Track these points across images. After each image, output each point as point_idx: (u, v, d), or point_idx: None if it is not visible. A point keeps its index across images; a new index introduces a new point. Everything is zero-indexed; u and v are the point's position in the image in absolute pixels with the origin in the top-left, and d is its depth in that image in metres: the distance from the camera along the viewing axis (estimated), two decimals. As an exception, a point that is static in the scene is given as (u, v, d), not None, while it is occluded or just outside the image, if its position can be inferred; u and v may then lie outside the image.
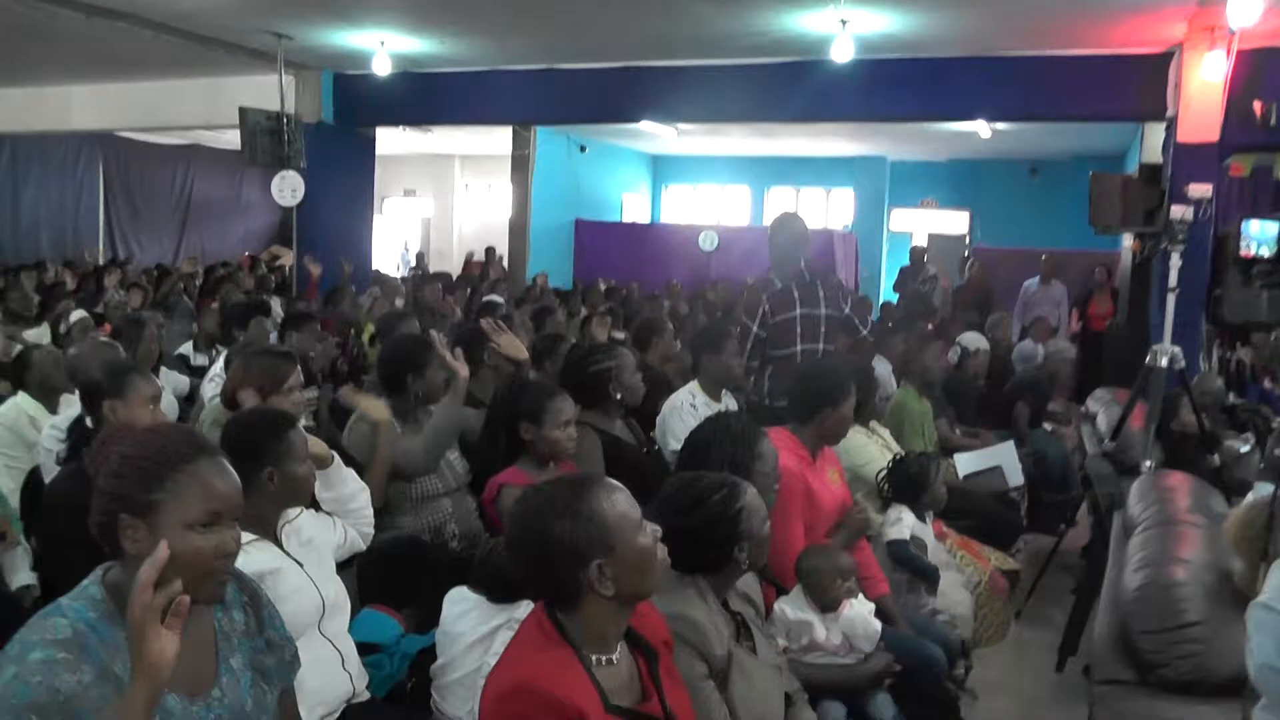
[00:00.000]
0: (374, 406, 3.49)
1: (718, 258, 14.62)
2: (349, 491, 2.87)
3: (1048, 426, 7.07)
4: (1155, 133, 8.98)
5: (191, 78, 11.56)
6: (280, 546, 2.51)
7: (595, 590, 1.84)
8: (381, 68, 9.58)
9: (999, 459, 5.57)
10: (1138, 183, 6.74)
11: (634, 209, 18.75)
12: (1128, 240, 10.05)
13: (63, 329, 6.68)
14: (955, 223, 17.36)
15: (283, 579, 2.40)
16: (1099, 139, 13.34)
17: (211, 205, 19.25)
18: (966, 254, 14.47)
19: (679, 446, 4.49)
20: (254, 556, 2.34)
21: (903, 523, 3.93)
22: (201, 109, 11.98)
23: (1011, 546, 5.38)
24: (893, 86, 8.94)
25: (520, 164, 14.97)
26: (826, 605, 2.96)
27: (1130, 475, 4.46)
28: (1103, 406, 5.50)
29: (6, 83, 13.11)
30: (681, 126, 14.54)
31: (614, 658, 1.92)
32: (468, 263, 14.58)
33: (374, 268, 12.44)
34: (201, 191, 19.18)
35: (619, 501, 1.89)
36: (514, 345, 4.12)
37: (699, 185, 19.45)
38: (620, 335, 7.11)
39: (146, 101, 12.45)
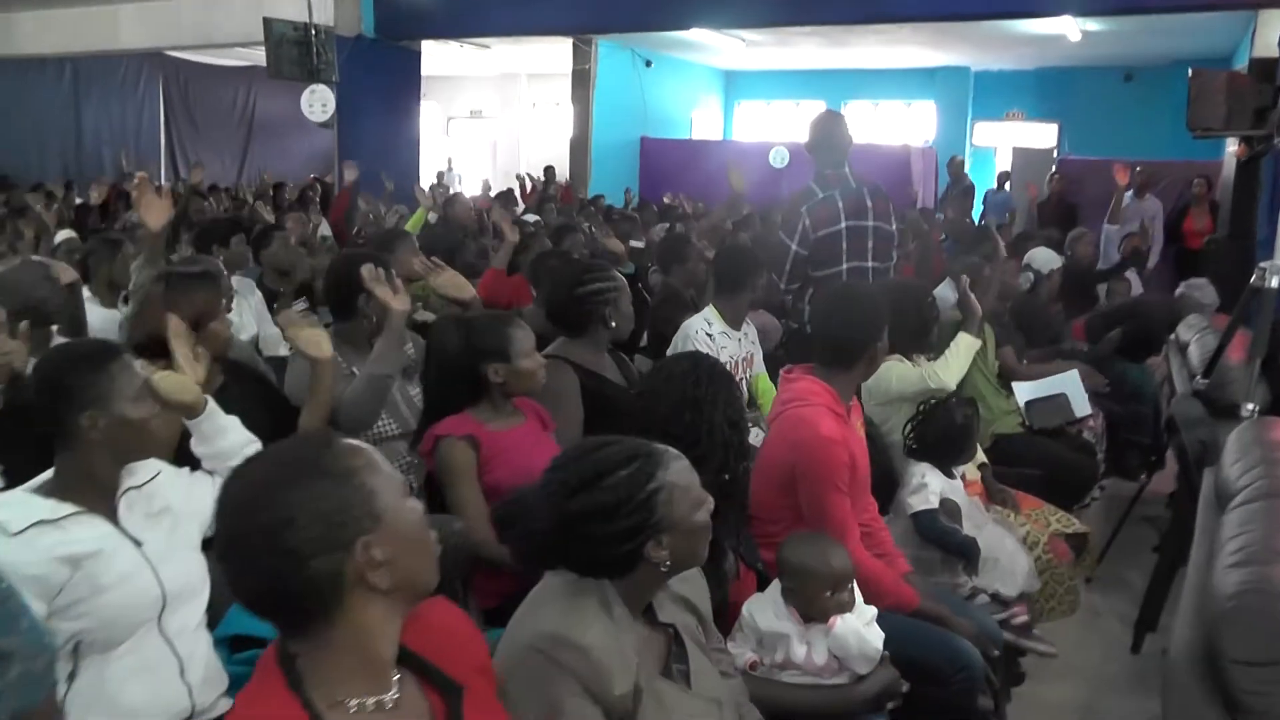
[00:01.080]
0: (311, 339, 2.90)
1: (790, 175, 13.85)
2: (230, 445, 2.27)
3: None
4: (1271, 24, 8.01)
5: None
6: (114, 520, 1.99)
7: (364, 584, 1.28)
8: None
9: (1062, 386, 4.92)
10: (1247, 79, 5.90)
11: (705, 127, 17.93)
12: (1231, 146, 9.09)
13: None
14: (1043, 135, 16.24)
15: (105, 564, 1.88)
16: (1203, 38, 12.13)
17: (274, 125, 18.88)
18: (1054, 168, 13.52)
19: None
20: (70, 534, 1.86)
21: (928, 489, 3.26)
22: (246, 26, 11.53)
23: (1084, 498, 4.76)
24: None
25: (581, 79, 14.37)
26: (810, 615, 2.32)
27: (1228, 420, 3.79)
28: (1195, 335, 4.75)
29: (57, 3, 12.88)
30: (749, 37, 13.77)
31: (385, 699, 1.33)
32: (521, 186, 14.05)
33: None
34: (264, 111, 18.87)
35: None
36: (456, 284, 3.61)
37: (773, 101, 18.56)
38: (639, 244, 6.54)
39: (193, 19, 12.06)
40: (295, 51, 9.26)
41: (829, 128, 4.56)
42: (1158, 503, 5.21)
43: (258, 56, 16.63)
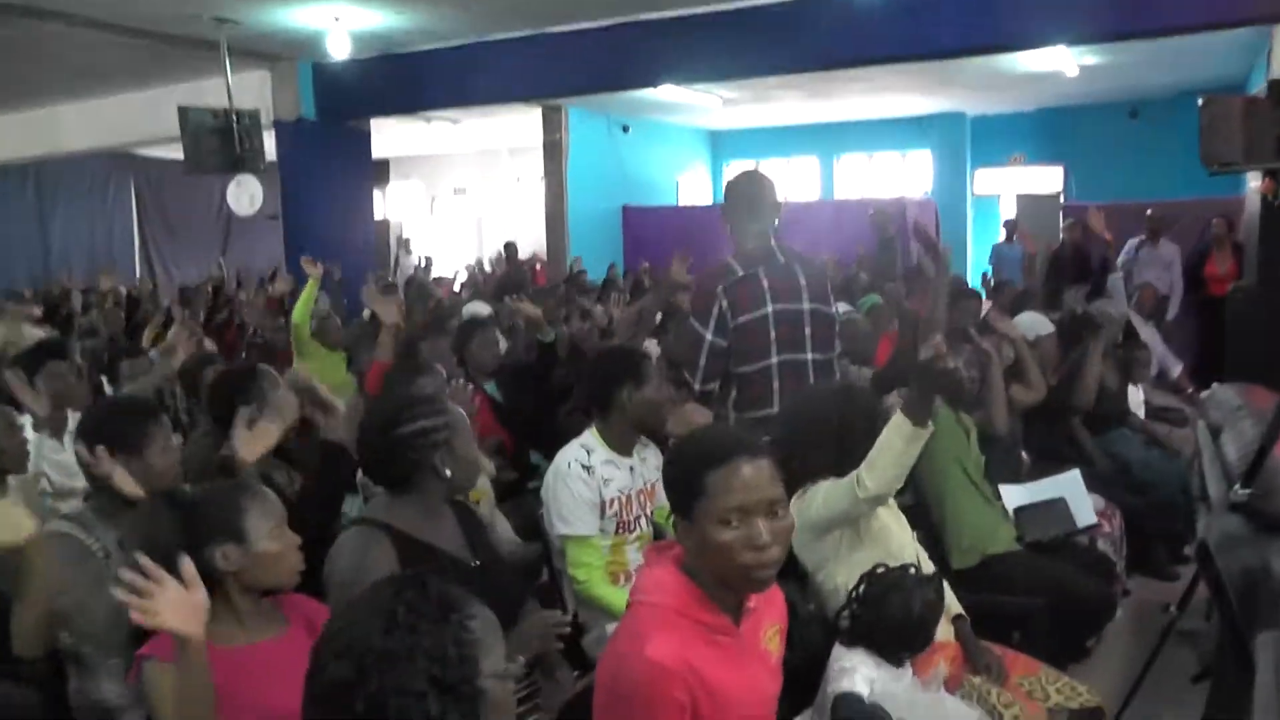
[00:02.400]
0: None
1: (778, 237, 13.01)
2: None
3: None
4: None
5: (168, 84, 10.43)
6: None
7: None
8: (339, 49, 8.27)
9: (1060, 490, 3.99)
10: (1265, 104, 4.99)
11: (692, 191, 17.16)
12: (1254, 181, 8.13)
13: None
14: (1047, 180, 15.35)
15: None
16: (1211, 66, 11.23)
17: (254, 219, 18.18)
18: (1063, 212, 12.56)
19: (568, 532, 3.09)
20: None
21: (855, 674, 2.39)
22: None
23: (1100, 629, 3.78)
24: (936, 12, 7.25)
25: (553, 150, 13.68)
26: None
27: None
28: (1228, 419, 3.77)
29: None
30: (726, 95, 13.03)
31: None
32: (478, 270, 13.23)
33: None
34: (242, 206, 18.13)
35: None
36: None
37: (762, 160, 17.78)
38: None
39: (130, 115, 11.42)
40: (216, 141, 8.50)
41: (748, 190, 3.67)
42: (1195, 611, 4.22)
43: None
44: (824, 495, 2.80)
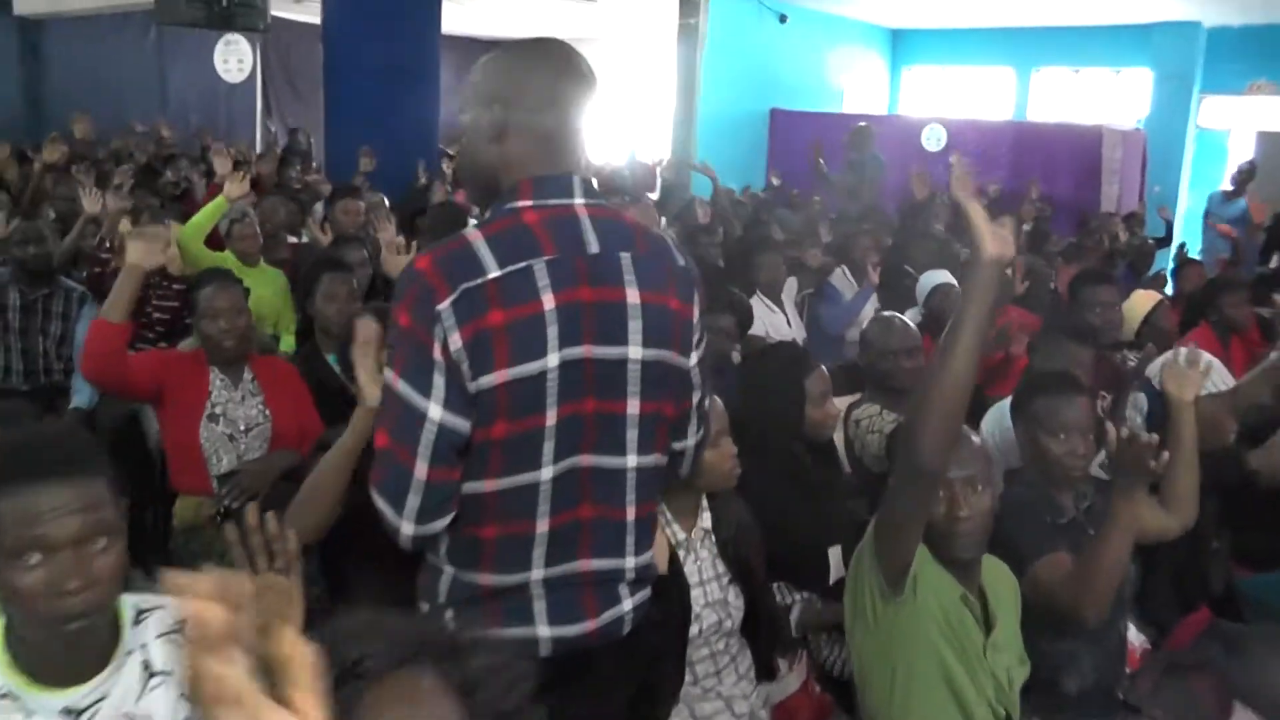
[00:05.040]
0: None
1: (945, 159, 10.81)
2: None
3: None
4: None
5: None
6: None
7: None
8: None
9: None
10: None
11: (861, 97, 14.79)
12: None
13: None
14: (1299, 116, 12.39)
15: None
16: None
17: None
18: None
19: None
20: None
21: None
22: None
23: None
24: None
25: (687, 35, 11.69)
26: None
27: None
28: None
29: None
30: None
31: None
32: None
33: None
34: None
35: None
36: None
37: (948, 66, 15.29)
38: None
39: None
40: None
41: (531, 78, 1.80)
42: None
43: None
44: None
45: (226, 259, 4.69)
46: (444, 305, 1.62)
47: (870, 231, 6.29)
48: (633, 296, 1.73)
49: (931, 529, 2.09)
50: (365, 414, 2.07)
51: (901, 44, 15.38)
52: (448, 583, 1.79)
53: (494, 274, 1.65)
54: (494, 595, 1.76)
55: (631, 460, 1.78)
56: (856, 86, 14.71)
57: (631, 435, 1.77)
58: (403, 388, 1.65)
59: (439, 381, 1.63)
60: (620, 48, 16.06)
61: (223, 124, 15.63)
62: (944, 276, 4.77)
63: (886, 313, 3.82)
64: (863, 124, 10.22)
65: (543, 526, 1.73)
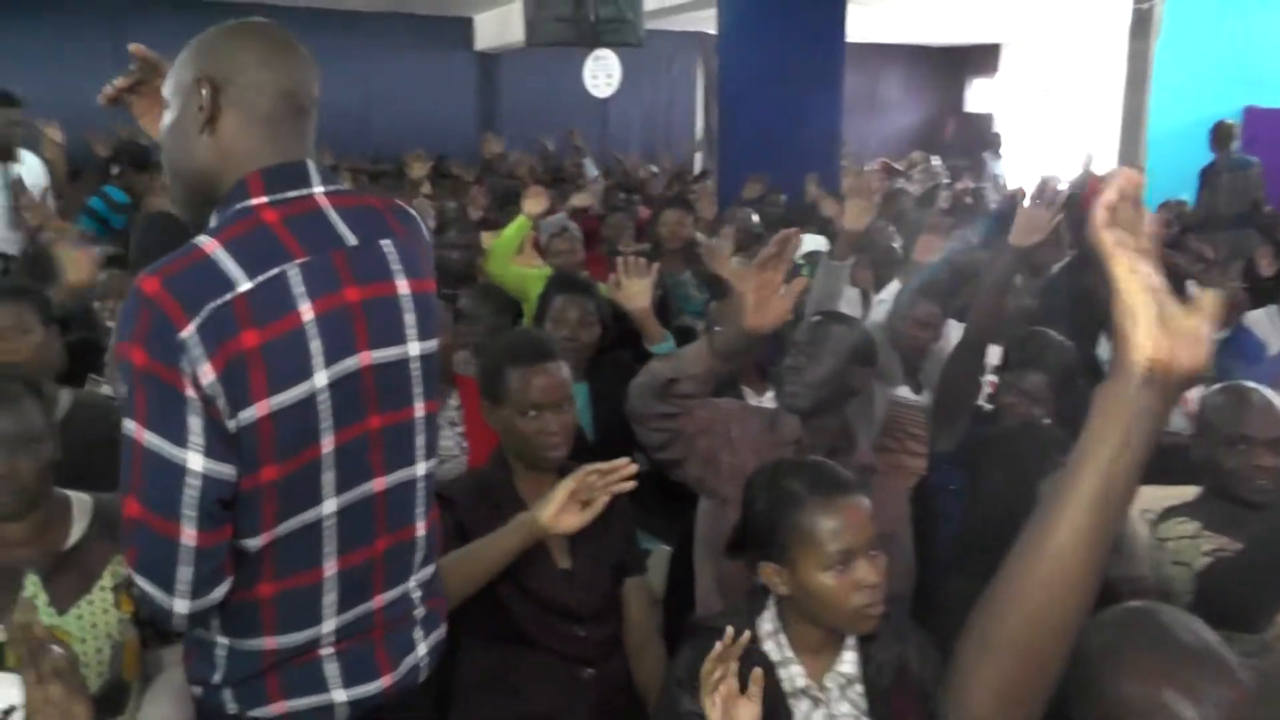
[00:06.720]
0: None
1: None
2: None
3: None
4: None
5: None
6: None
7: None
8: None
9: None
10: None
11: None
12: None
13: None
14: None
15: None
16: None
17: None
18: None
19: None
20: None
21: None
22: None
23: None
24: None
25: (1140, 23, 10.21)
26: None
27: None
28: None
29: None
30: None
31: None
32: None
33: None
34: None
35: None
36: None
37: None
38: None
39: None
40: (566, 5, 6.52)
41: (246, 55, 1.59)
42: None
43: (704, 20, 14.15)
44: None
45: (541, 274, 4.36)
46: (187, 332, 1.37)
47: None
48: (403, 287, 1.59)
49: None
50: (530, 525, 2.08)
51: None
52: (224, 658, 1.57)
53: (244, 287, 1.41)
54: (278, 664, 1.55)
55: (421, 469, 1.66)
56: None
57: (420, 441, 1.65)
58: (150, 439, 1.39)
59: (195, 424, 1.39)
60: (1053, 47, 14.75)
61: (660, 141, 15.86)
62: None
63: (1242, 383, 2.52)
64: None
65: (330, 569, 1.55)
